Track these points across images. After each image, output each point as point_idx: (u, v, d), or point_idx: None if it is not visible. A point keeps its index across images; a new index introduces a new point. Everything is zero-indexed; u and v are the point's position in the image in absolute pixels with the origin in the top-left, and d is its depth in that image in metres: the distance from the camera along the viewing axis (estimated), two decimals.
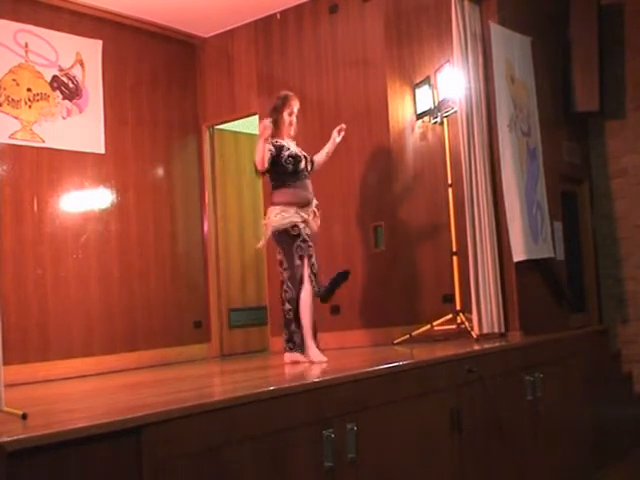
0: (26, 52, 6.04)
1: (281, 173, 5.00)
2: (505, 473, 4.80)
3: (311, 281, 4.89)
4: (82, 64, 6.42)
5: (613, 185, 7.29)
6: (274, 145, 4.98)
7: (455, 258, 5.82)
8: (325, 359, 4.79)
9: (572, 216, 7.22)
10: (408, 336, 5.77)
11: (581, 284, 7.28)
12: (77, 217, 6.37)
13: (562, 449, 5.42)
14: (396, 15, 6.42)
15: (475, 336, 5.52)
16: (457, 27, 5.78)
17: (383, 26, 6.41)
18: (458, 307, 5.75)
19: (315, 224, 5.08)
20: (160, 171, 7.10)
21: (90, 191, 6.48)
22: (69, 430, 2.54)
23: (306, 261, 4.90)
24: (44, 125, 6.11)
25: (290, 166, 4.99)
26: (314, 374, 4.36)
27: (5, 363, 3.00)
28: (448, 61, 5.94)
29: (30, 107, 6.04)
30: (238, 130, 7.61)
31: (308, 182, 5.09)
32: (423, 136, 6.35)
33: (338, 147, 6.58)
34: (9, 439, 2.37)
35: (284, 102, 5.11)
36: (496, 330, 5.66)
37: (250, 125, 7.38)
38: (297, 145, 5.17)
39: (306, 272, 4.89)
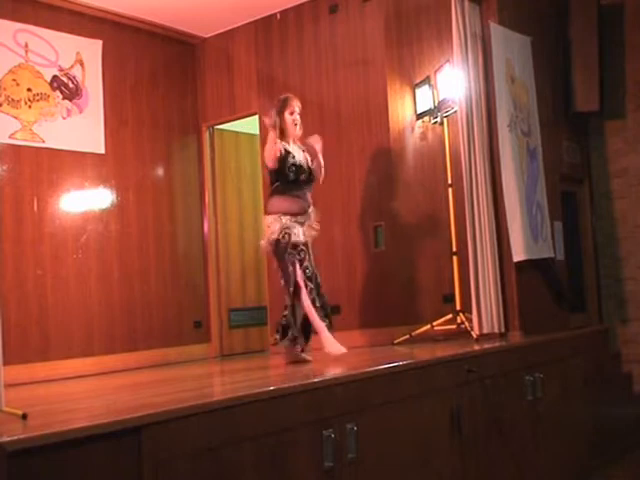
0: (26, 52, 6.04)
1: (281, 180, 4.98)
2: (505, 473, 4.80)
3: (305, 285, 4.87)
4: (82, 64, 6.42)
5: (613, 185, 7.29)
6: (284, 147, 4.97)
7: (455, 258, 5.82)
8: (344, 350, 4.85)
9: (572, 216, 7.22)
10: (408, 336, 5.77)
11: (581, 284, 7.28)
12: (77, 217, 6.37)
13: (562, 449, 5.42)
14: (396, 15, 6.42)
15: (475, 336, 5.52)
16: (457, 27, 5.79)
17: (383, 26, 6.40)
18: (458, 307, 5.75)
19: (309, 232, 5.02)
20: (160, 171, 7.10)
21: (90, 191, 6.48)
22: (69, 430, 2.54)
23: (297, 266, 4.87)
24: (44, 125, 6.11)
25: (292, 174, 4.95)
26: (314, 374, 4.36)
27: (5, 363, 3.00)
28: (448, 61, 5.94)
29: (30, 107, 6.04)
30: (238, 130, 7.61)
31: (307, 192, 5.05)
32: (423, 136, 6.35)
33: (338, 147, 6.61)
34: (9, 439, 2.38)
35: (284, 103, 5.07)
36: (496, 330, 5.67)
37: (250, 125, 7.37)
38: (304, 152, 5.12)
39: (299, 277, 4.87)
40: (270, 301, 6.90)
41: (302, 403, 3.40)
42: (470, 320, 5.65)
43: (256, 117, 6.99)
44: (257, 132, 7.07)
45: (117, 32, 6.78)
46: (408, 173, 6.33)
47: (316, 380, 3.58)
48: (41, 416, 3.10)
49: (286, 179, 4.96)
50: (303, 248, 4.91)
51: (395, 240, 6.26)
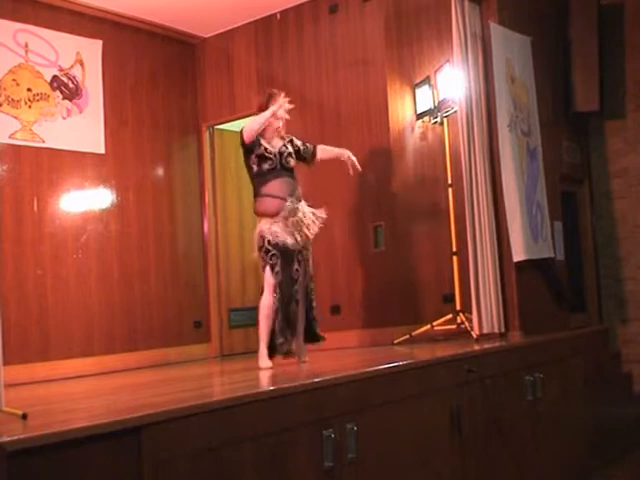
0: (26, 52, 6.04)
1: (253, 177, 4.91)
2: (505, 473, 4.80)
3: (272, 291, 4.76)
4: (82, 64, 6.42)
5: (613, 185, 7.29)
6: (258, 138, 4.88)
7: (455, 258, 5.82)
8: (269, 365, 4.71)
9: (572, 216, 7.22)
10: (408, 336, 5.77)
11: (581, 284, 7.28)
12: (77, 217, 6.37)
13: (562, 449, 5.42)
14: (396, 15, 6.42)
15: (475, 336, 5.52)
16: (457, 27, 5.78)
17: (383, 26, 6.41)
18: (458, 307, 5.75)
19: (297, 232, 4.84)
20: (160, 171, 7.10)
21: (90, 191, 6.48)
22: (69, 430, 2.54)
23: (267, 269, 4.77)
24: (44, 125, 6.11)
25: (255, 166, 4.87)
26: (314, 374, 4.36)
27: (5, 363, 3.00)
28: (448, 61, 5.94)
29: (30, 107, 6.04)
30: (238, 130, 7.59)
31: (284, 185, 4.86)
32: (423, 136, 6.35)
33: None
34: (9, 439, 2.37)
35: (270, 98, 4.98)
36: (496, 330, 5.66)
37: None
38: (287, 142, 4.99)
39: (266, 281, 4.78)
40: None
41: (302, 403, 3.40)
42: (470, 320, 5.64)
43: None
44: None
45: (117, 32, 6.78)
46: (408, 173, 6.33)
47: (316, 380, 3.58)
48: (41, 416, 3.10)
49: (252, 172, 4.89)
50: (275, 253, 4.76)
51: (395, 240, 6.26)
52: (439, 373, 4.37)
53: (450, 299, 5.89)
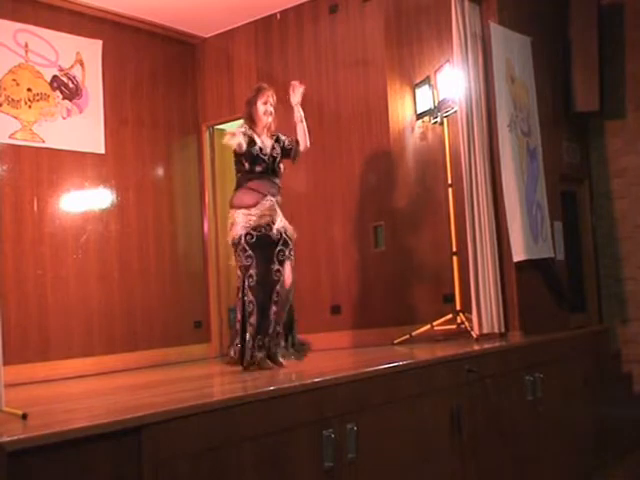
0: (26, 52, 6.04)
1: (241, 170, 4.81)
2: (505, 473, 4.80)
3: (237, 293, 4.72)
4: (82, 64, 6.42)
5: (613, 185, 7.29)
6: (249, 135, 4.76)
7: (455, 258, 5.82)
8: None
9: (572, 216, 7.22)
10: (408, 336, 5.77)
11: (581, 284, 7.28)
12: (77, 217, 6.37)
13: (562, 449, 5.42)
14: (396, 15, 6.42)
15: (475, 336, 5.52)
16: (457, 27, 5.78)
17: (383, 26, 6.41)
18: (458, 307, 5.75)
19: (281, 228, 4.75)
20: (160, 171, 7.10)
21: (90, 191, 6.48)
22: (69, 430, 2.54)
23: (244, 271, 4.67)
24: (44, 125, 6.11)
25: (247, 164, 4.76)
26: (314, 374, 4.35)
27: (5, 363, 3.00)
28: (448, 61, 5.94)
29: (30, 107, 6.04)
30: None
31: (270, 186, 4.78)
32: (423, 136, 6.35)
33: (338, 147, 6.60)
34: (9, 439, 2.37)
35: (258, 92, 4.87)
36: (496, 330, 5.66)
37: None
38: (275, 142, 4.88)
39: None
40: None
41: (302, 403, 3.40)
42: (470, 320, 5.64)
43: None
44: None
45: (117, 32, 6.78)
46: (408, 173, 6.33)
47: (316, 380, 3.58)
48: (41, 416, 3.10)
49: (243, 169, 4.79)
50: (251, 254, 4.67)
51: (395, 240, 6.26)
52: (439, 373, 4.37)
53: (450, 299, 5.89)
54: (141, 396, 3.93)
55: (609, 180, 7.31)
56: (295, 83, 4.95)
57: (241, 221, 4.71)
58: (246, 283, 4.68)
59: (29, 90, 6.05)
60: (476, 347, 5.13)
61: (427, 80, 6.14)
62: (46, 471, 2.44)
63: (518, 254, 5.76)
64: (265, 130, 4.86)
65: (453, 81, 5.81)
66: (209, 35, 7.44)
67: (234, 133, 4.71)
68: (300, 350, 4.84)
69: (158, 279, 6.87)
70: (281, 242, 4.75)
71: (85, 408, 3.68)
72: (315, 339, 6.20)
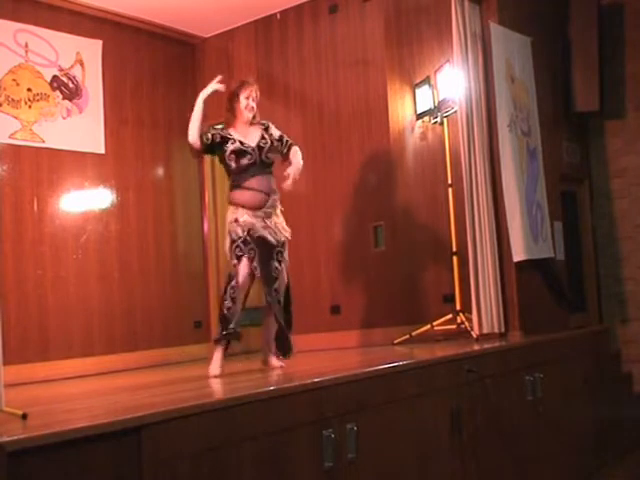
0: (26, 52, 6.04)
1: (229, 171, 4.64)
2: (505, 473, 4.80)
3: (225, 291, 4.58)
4: (82, 64, 6.42)
5: (613, 185, 7.29)
6: (220, 134, 4.62)
7: (455, 258, 5.82)
8: (217, 372, 4.58)
9: (572, 216, 7.22)
10: (408, 336, 5.77)
11: (581, 284, 7.28)
12: (77, 217, 6.37)
13: (562, 449, 5.42)
14: (396, 15, 6.42)
15: (475, 336, 5.52)
16: (457, 27, 5.78)
17: (383, 26, 6.41)
18: (458, 307, 5.75)
19: (274, 228, 4.60)
20: (160, 171, 7.10)
21: (90, 191, 6.48)
22: (69, 430, 2.54)
23: (244, 261, 4.51)
24: (44, 125, 6.11)
25: (232, 163, 4.57)
26: (314, 374, 4.36)
27: (5, 363, 3.00)
28: (448, 61, 5.94)
29: (30, 107, 6.04)
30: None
31: (261, 180, 4.59)
32: (423, 136, 6.35)
33: (338, 147, 6.61)
34: (9, 439, 2.37)
35: (241, 86, 4.72)
36: (496, 330, 5.66)
37: None
38: (263, 132, 4.71)
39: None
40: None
41: (302, 403, 3.40)
42: (470, 320, 5.64)
43: None
44: None
45: (117, 32, 6.78)
46: (408, 173, 6.33)
47: (316, 380, 3.58)
48: (41, 416, 3.10)
49: (229, 169, 4.62)
50: (253, 248, 4.52)
51: (395, 240, 6.26)
52: (439, 373, 4.37)
53: (450, 299, 5.89)
54: (141, 396, 3.93)
55: (609, 180, 7.31)
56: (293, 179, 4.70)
57: (248, 221, 4.54)
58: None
59: (29, 90, 6.05)
60: (476, 347, 5.13)
61: (427, 80, 6.14)
62: (46, 471, 2.43)
63: (518, 254, 5.76)
64: (247, 125, 4.69)
65: (453, 81, 5.82)
66: (209, 35, 7.44)
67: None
68: (288, 352, 4.72)
69: (158, 279, 6.87)
70: (280, 243, 4.64)
71: (85, 408, 3.68)
72: (315, 339, 6.23)
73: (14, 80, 5.97)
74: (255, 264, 4.51)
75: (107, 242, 6.53)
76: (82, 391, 4.81)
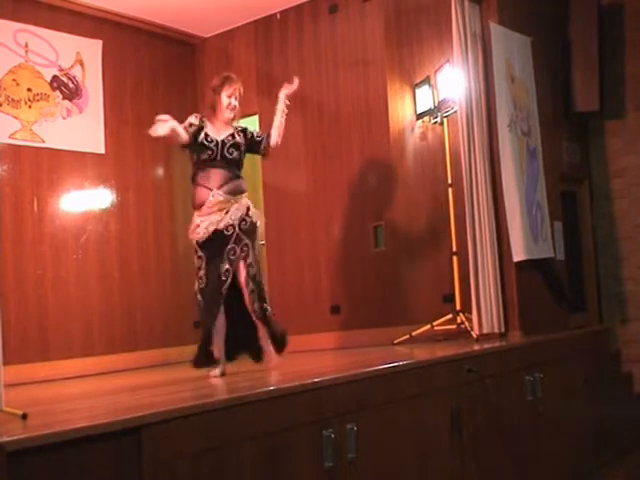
0: (26, 52, 6.04)
1: (192, 165, 4.50)
2: (505, 473, 4.80)
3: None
4: (82, 64, 6.42)
5: (613, 185, 7.29)
6: (196, 125, 4.45)
7: (455, 258, 5.82)
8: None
9: (572, 216, 7.22)
10: (408, 336, 5.77)
11: (581, 284, 7.28)
12: (77, 217, 6.37)
13: (562, 449, 5.42)
14: (396, 15, 6.42)
15: (475, 336, 5.52)
16: (457, 27, 5.78)
17: (383, 26, 6.41)
18: (458, 307, 5.75)
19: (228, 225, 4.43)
20: (160, 171, 7.10)
21: (90, 191, 6.48)
22: (69, 430, 2.54)
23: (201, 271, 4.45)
24: (44, 125, 6.11)
25: (195, 154, 4.45)
26: (314, 374, 4.36)
27: (5, 363, 3.01)
28: (448, 61, 5.94)
29: (30, 107, 6.04)
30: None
31: (215, 172, 4.44)
32: (423, 136, 6.35)
33: (338, 147, 6.60)
34: (9, 439, 2.37)
35: (224, 82, 4.58)
36: (496, 330, 5.66)
37: (250, 125, 7.35)
38: (236, 134, 4.60)
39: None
40: (270, 301, 6.88)
41: (302, 403, 3.40)
42: (470, 320, 5.64)
43: (256, 117, 6.98)
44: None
45: (117, 32, 6.78)
46: (408, 173, 6.33)
47: (316, 380, 3.58)
48: (41, 416, 3.10)
49: (194, 160, 4.50)
50: (201, 255, 4.46)
51: (395, 240, 6.27)
52: (439, 373, 4.37)
53: (450, 299, 5.89)
54: (141, 396, 3.93)
55: (609, 180, 7.31)
56: (295, 80, 4.79)
57: (196, 221, 4.46)
58: (196, 285, 4.52)
59: (29, 90, 6.05)
60: (476, 347, 5.13)
61: (427, 80, 6.14)
62: (46, 471, 2.43)
63: (518, 254, 5.76)
64: (225, 124, 4.59)
65: (453, 81, 5.81)
66: (209, 35, 7.44)
67: (165, 120, 4.28)
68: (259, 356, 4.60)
69: (158, 279, 6.87)
70: (233, 240, 4.44)
71: (85, 408, 3.68)
72: (315, 339, 6.23)
73: (14, 80, 5.97)
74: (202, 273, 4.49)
75: (107, 242, 6.53)
76: (82, 391, 4.81)
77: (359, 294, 6.38)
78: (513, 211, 5.76)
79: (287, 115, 4.81)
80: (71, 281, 6.22)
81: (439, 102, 6.01)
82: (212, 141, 4.47)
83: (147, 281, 6.77)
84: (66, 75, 6.31)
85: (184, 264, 7.14)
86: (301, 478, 3.35)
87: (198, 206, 4.46)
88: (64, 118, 6.25)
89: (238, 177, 4.56)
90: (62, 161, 6.27)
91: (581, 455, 5.69)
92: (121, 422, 2.67)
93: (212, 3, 6.75)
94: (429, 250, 6.22)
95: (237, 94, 4.63)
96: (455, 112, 5.87)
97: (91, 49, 6.47)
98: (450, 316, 5.74)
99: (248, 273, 4.50)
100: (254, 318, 4.54)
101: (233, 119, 4.65)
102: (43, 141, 6.10)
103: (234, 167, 4.55)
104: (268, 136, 4.73)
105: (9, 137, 5.91)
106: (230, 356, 4.55)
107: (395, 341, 5.84)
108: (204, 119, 4.56)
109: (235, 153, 4.53)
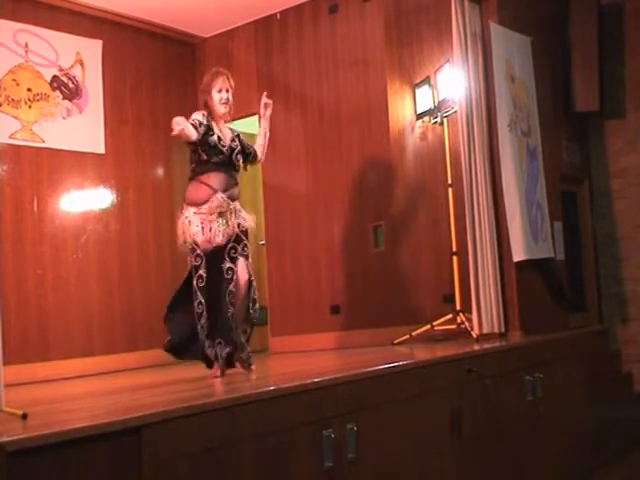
0: (26, 52, 6.04)
1: (196, 161, 4.46)
2: (505, 473, 4.79)
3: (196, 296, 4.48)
4: (82, 64, 6.42)
5: (613, 185, 7.29)
6: (205, 125, 4.43)
7: (455, 258, 5.82)
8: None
9: (572, 216, 7.22)
10: (408, 336, 5.77)
11: (581, 284, 7.28)
12: (77, 217, 6.37)
13: (562, 449, 5.42)
14: (396, 15, 6.42)
15: (475, 336, 5.52)
16: (457, 27, 5.78)
17: (383, 26, 6.41)
18: (458, 307, 5.75)
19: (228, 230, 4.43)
20: (160, 171, 7.10)
21: (90, 191, 6.48)
22: (69, 430, 2.54)
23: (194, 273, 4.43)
24: (44, 125, 6.11)
25: (204, 154, 4.42)
26: (314, 374, 4.35)
27: (5, 363, 3.00)
28: (448, 61, 5.94)
29: (30, 107, 6.04)
30: (238, 130, 7.59)
31: (221, 175, 4.45)
32: (423, 136, 6.35)
33: (338, 147, 6.61)
34: (9, 439, 2.37)
35: (212, 79, 4.52)
36: (496, 330, 5.66)
37: (250, 125, 7.36)
38: (236, 136, 4.65)
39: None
40: (270, 301, 6.90)
41: (302, 403, 3.40)
42: (470, 320, 5.64)
43: (256, 117, 6.97)
44: (256, 132, 7.05)
45: (117, 32, 6.78)
46: (408, 173, 6.33)
47: (316, 380, 3.58)
48: (41, 416, 3.10)
49: (199, 159, 4.45)
50: (200, 253, 4.41)
51: (395, 240, 6.26)
52: (439, 373, 4.37)
53: (450, 299, 5.89)
54: (141, 396, 3.93)
55: (609, 180, 7.31)
56: (266, 100, 4.71)
57: (194, 220, 4.41)
58: (195, 284, 4.47)
59: (29, 90, 6.05)
60: (476, 347, 5.13)
61: (427, 80, 6.14)
62: (46, 471, 2.43)
63: (518, 254, 5.76)
64: (221, 120, 4.58)
65: (453, 81, 5.81)
66: (209, 35, 7.44)
67: (178, 122, 4.28)
68: (248, 359, 4.57)
69: (158, 279, 6.86)
70: (233, 239, 4.45)
71: (85, 408, 3.68)
72: (315, 339, 6.22)
73: (14, 80, 5.97)
74: (201, 272, 4.46)
75: (107, 242, 6.53)
76: (82, 391, 4.81)
77: (359, 294, 6.38)
78: (513, 211, 5.76)
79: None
80: (71, 281, 6.22)
81: (439, 102, 6.01)
82: (224, 146, 4.50)
83: (147, 281, 6.77)
84: (66, 75, 6.31)
85: (184, 264, 7.13)
86: (301, 478, 3.34)
87: (196, 203, 4.43)
88: (64, 118, 6.26)
89: (237, 183, 4.60)
90: (62, 161, 6.27)
91: (581, 455, 5.69)
92: (121, 422, 2.67)
93: (212, 3, 6.75)
94: (429, 250, 6.22)
95: (227, 86, 4.56)
96: (455, 112, 5.87)
97: (91, 49, 6.47)
98: (450, 316, 5.74)
99: (249, 273, 4.51)
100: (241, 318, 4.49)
101: (229, 113, 4.63)
102: (43, 141, 6.10)
103: (235, 173, 4.59)
104: (255, 150, 4.77)
105: (9, 137, 5.91)
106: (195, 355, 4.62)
107: (395, 341, 5.84)
108: (209, 118, 4.53)
109: (240, 160, 4.61)
